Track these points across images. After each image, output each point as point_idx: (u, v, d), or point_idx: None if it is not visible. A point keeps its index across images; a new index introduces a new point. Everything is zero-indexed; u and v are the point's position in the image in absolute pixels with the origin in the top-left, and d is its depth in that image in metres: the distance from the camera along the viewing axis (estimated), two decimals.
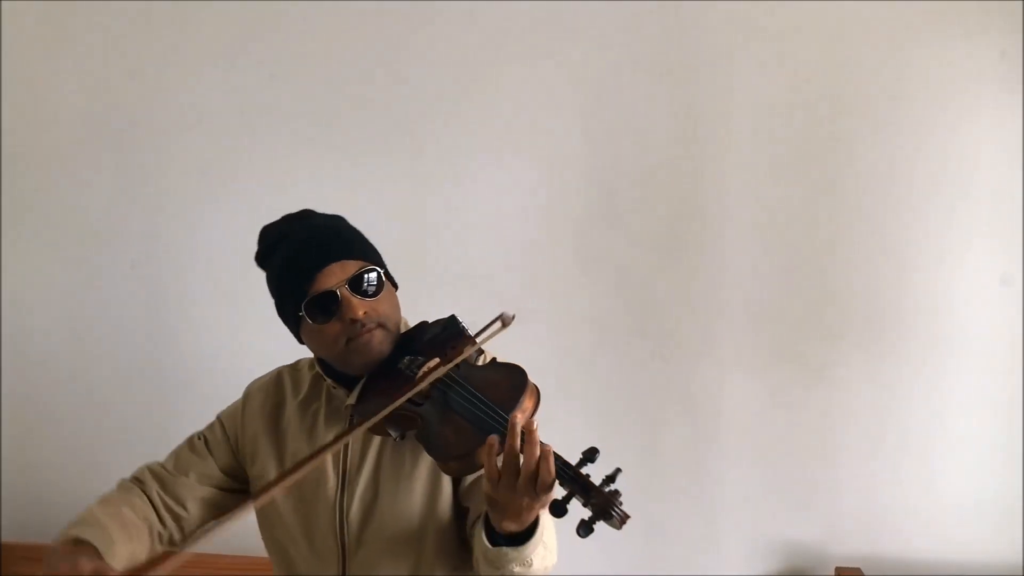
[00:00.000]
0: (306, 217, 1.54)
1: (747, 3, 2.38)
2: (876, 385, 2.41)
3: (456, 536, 1.49)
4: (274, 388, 1.60)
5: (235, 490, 1.58)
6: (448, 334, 1.48)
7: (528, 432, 1.19)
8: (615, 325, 2.49)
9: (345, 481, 1.49)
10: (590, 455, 1.20)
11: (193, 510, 1.54)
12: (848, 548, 2.43)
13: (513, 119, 2.48)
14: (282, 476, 1.30)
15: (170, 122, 2.58)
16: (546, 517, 1.30)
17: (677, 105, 2.44)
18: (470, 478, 1.45)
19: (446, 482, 1.47)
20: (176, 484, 1.55)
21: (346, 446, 1.49)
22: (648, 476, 2.49)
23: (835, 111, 2.39)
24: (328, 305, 1.42)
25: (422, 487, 1.47)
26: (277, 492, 1.32)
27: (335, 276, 1.42)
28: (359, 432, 1.34)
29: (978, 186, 2.35)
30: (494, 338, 1.40)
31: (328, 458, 1.48)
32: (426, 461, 1.46)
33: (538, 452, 1.19)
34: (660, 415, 2.48)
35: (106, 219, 2.61)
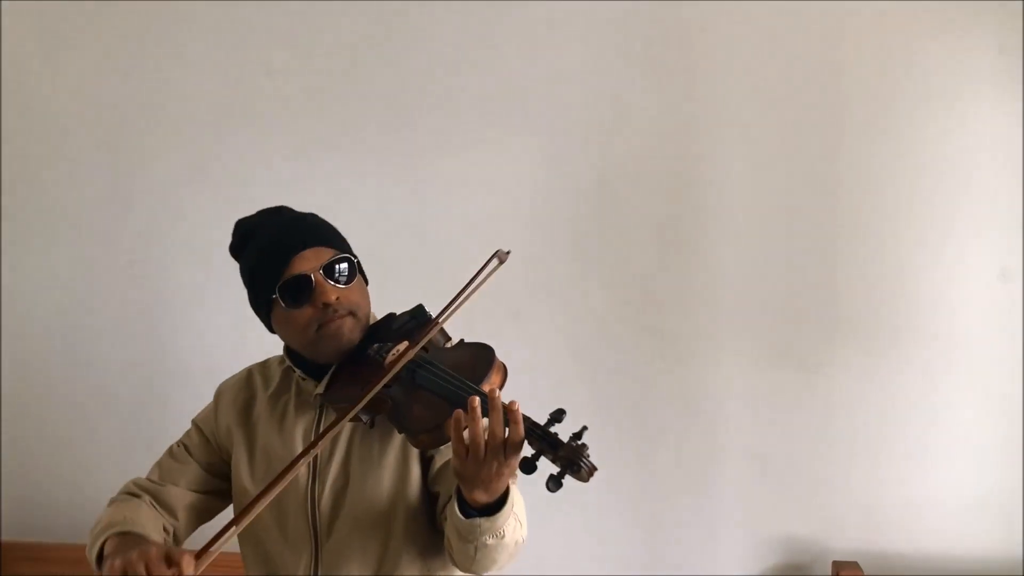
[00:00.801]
0: (281, 211, 1.60)
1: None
2: (874, 381, 2.41)
3: (426, 521, 1.51)
4: (245, 384, 1.64)
5: (221, 490, 1.63)
6: (416, 322, 1.52)
7: (490, 399, 1.21)
8: (612, 323, 2.49)
9: (316, 470, 1.51)
10: (557, 415, 1.22)
11: (183, 518, 1.59)
12: (846, 543, 2.43)
13: (509, 116, 2.47)
14: (285, 471, 1.33)
15: (167, 119, 2.57)
16: (516, 491, 1.32)
17: (675, 102, 2.43)
18: (439, 463, 1.48)
19: (415, 467, 1.50)
20: (165, 494, 1.59)
21: (315, 433, 1.52)
22: (646, 473, 2.49)
23: (832, 107, 2.39)
24: (302, 289, 1.45)
25: (391, 473, 1.49)
26: (281, 488, 1.33)
27: (309, 262, 1.46)
28: (343, 424, 1.36)
29: (977, 181, 2.35)
30: (490, 279, 1.46)
31: (297, 449, 1.51)
32: (394, 447, 1.49)
33: (502, 418, 1.20)
34: (658, 412, 2.48)
35: (103, 217, 2.61)
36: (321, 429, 1.52)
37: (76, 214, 2.62)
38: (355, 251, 1.54)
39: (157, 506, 1.58)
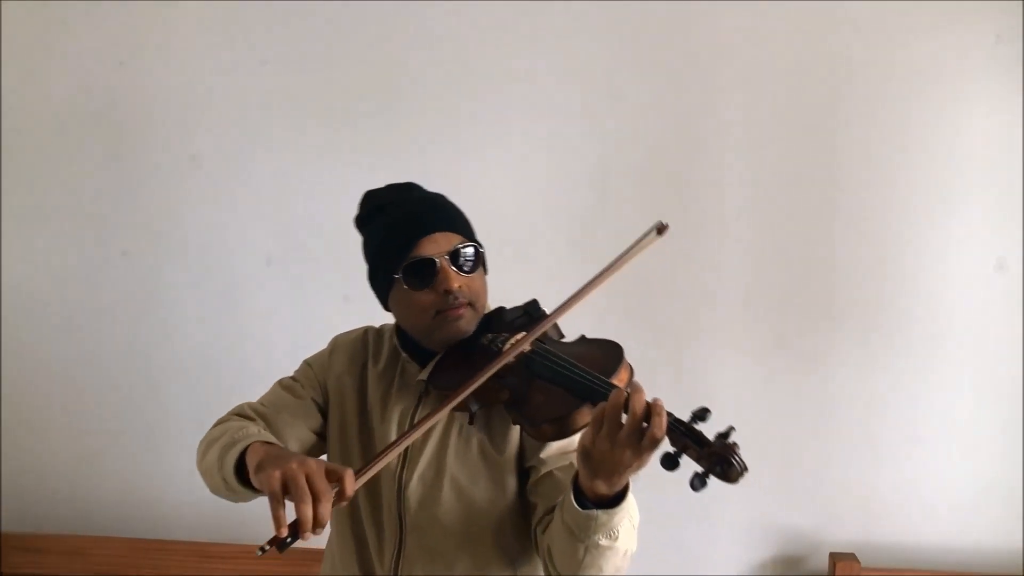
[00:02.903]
0: (412, 188, 1.57)
1: None
2: (872, 372, 2.40)
3: (519, 531, 1.46)
4: (361, 346, 1.59)
5: (324, 434, 1.56)
6: (530, 317, 1.49)
7: (635, 388, 1.17)
8: (610, 314, 2.48)
9: (407, 456, 1.46)
10: (701, 414, 1.17)
11: (292, 448, 1.48)
12: (843, 534, 2.43)
13: (510, 113, 2.47)
14: (398, 440, 1.30)
15: (163, 111, 2.57)
16: (632, 496, 1.27)
17: (673, 96, 2.42)
18: (542, 471, 1.42)
19: (512, 474, 1.44)
20: (278, 421, 1.50)
21: (411, 420, 1.47)
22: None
23: (829, 99, 2.38)
24: (426, 272, 1.42)
25: (487, 474, 1.44)
26: (390, 456, 1.28)
27: (437, 245, 1.43)
28: (449, 406, 1.31)
29: (974, 172, 2.34)
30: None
31: (392, 430, 1.48)
32: (493, 449, 1.44)
33: (645, 402, 1.15)
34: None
35: (97, 208, 2.61)
36: (418, 417, 1.46)
37: (70, 205, 2.62)
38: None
39: (269, 432, 1.47)
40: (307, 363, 1.60)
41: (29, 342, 2.67)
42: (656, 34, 2.42)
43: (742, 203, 2.42)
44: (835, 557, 2.38)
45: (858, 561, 2.36)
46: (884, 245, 2.39)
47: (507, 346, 1.39)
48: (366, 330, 1.62)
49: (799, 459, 2.44)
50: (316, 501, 1.13)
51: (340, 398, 1.55)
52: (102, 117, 2.58)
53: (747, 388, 2.44)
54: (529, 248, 2.47)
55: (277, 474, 1.16)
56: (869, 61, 2.36)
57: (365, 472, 1.23)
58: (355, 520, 1.52)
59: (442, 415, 1.35)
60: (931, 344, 2.38)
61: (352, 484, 1.17)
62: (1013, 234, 2.33)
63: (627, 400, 1.16)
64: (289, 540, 1.13)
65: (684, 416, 1.17)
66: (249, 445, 1.31)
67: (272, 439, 1.37)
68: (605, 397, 1.19)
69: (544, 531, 1.38)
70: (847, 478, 2.43)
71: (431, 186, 2.48)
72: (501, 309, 1.52)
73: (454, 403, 1.32)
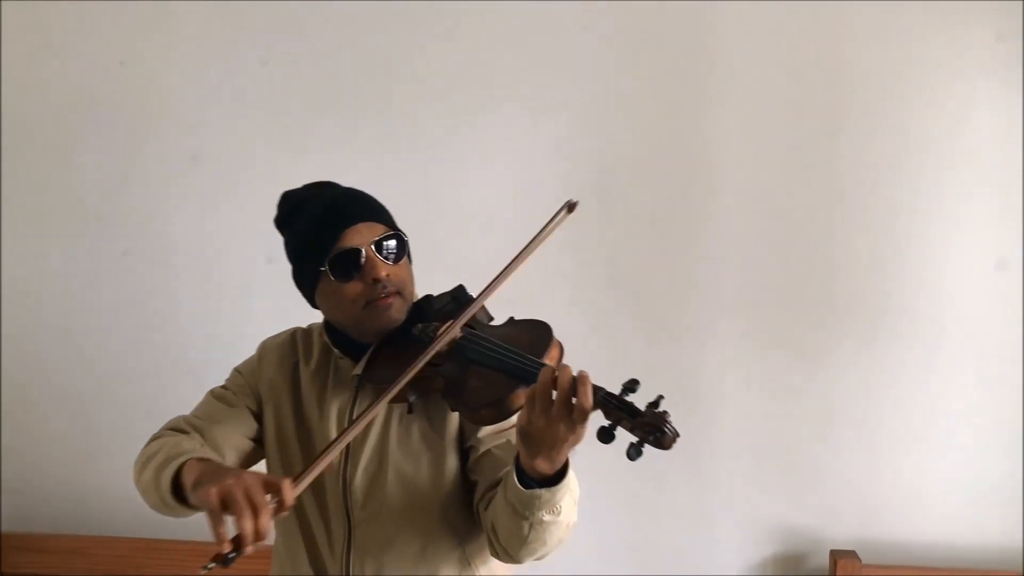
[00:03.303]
0: (331, 184, 1.57)
1: None
2: (872, 369, 2.41)
3: (464, 510, 1.49)
4: (290, 347, 1.59)
5: (262, 439, 1.57)
6: (458, 303, 1.50)
7: (561, 366, 1.20)
8: (611, 312, 2.49)
9: (348, 451, 1.48)
10: (631, 385, 1.21)
11: (230, 458, 1.51)
12: (843, 531, 2.44)
13: (508, 109, 2.47)
14: (336, 440, 1.31)
15: (163, 110, 2.56)
16: (573, 472, 1.30)
17: (674, 94, 2.43)
18: (480, 450, 1.45)
19: (453, 456, 1.47)
20: (213, 432, 1.51)
21: (350, 416, 1.49)
22: (642, 461, 2.47)
23: (831, 97, 2.38)
24: (352, 262, 1.43)
25: (428, 459, 1.46)
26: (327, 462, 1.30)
27: (361, 235, 1.44)
28: (386, 399, 1.33)
29: (975, 170, 2.35)
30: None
31: (332, 428, 1.49)
32: (432, 435, 1.47)
33: (571, 376, 1.18)
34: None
35: (97, 207, 2.60)
36: (356, 412, 1.48)
37: (71, 204, 2.61)
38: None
39: (206, 445, 1.50)
40: (237, 370, 1.61)
41: (29, 341, 2.66)
42: (658, 33, 2.42)
43: (743, 201, 2.42)
44: (836, 555, 2.38)
45: (859, 559, 2.36)
46: (885, 244, 2.39)
47: (438, 333, 1.40)
48: (294, 331, 1.62)
49: (800, 457, 2.44)
50: (255, 515, 1.15)
51: (274, 402, 1.55)
52: (103, 117, 2.58)
53: (748, 386, 2.45)
54: (523, 241, 2.46)
55: (214, 491, 1.17)
56: (870, 60, 2.36)
57: (303, 478, 1.24)
58: (302, 520, 1.53)
59: (379, 409, 1.38)
60: (932, 342, 2.38)
61: (291, 493, 1.18)
62: (1013, 232, 2.34)
63: (555, 377, 1.19)
64: (232, 555, 1.14)
65: (615, 389, 1.21)
66: (184, 463, 1.33)
67: (209, 454, 1.40)
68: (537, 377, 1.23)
69: (487, 508, 1.40)
70: (848, 476, 2.43)
71: (432, 183, 2.51)
72: (429, 297, 1.54)
73: (390, 396, 1.34)
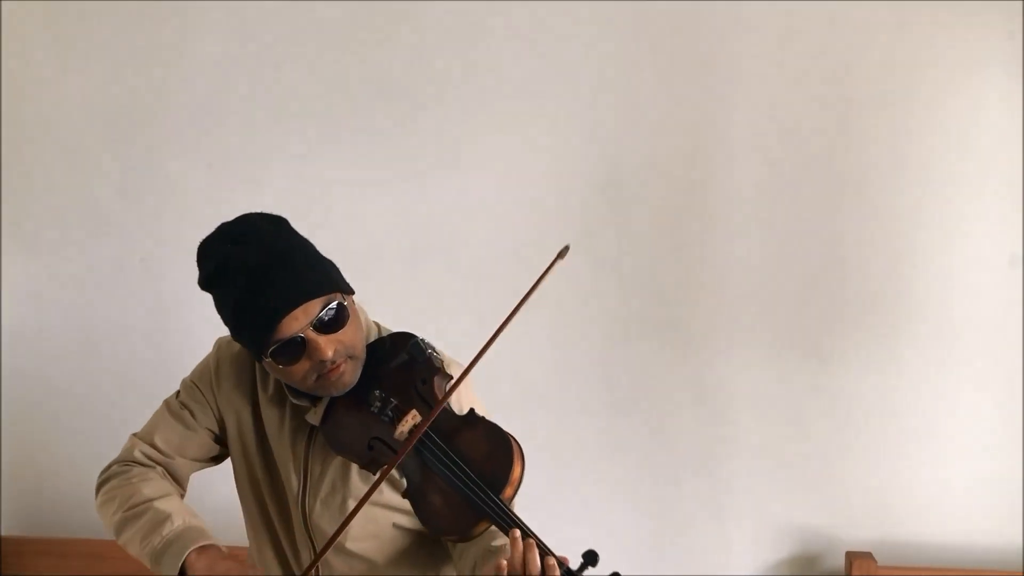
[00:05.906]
0: (249, 242, 1.41)
1: None
2: (886, 371, 2.40)
3: (427, 544, 1.52)
4: (248, 363, 1.56)
5: (222, 456, 1.60)
6: (416, 365, 1.42)
7: (528, 547, 1.25)
8: (623, 317, 2.49)
9: (307, 484, 1.49)
10: (591, 558, 1.29)
11: (187, 487, 1.58)
12: (859, 533, 2.43)
13: (515, 112, 2.47)
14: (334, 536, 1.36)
15: (177, 116, 2.58)
16: None
17: (683, 95, 2.43)
18: None
19: None
20: (176, 467, 1.54)
21: (305, 463, 1.49)
22: (658, 462, 2.49)
23: (840, 96, 2.38)
24: (295, 349, 1.36)
25: (389, 491, 1.46)
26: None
27: (299, 320, 1.34)
28: (359, 507, 1.35)
29: (985, 168, 2.34)
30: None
31: (291, 471, 1.50)
32: (395, 473, 1.45)
33: (538, 563, 1.25)
34: (669, 403, 2.48)
35: (115, 214, 2.63)
36: (312, 458, 1.49)
37: (87, 213, 2.63)
38: (334, 255, 1.46)
39: (169, 477, 1.54)
40: (193, 384, 1.58)
41: (39, 347, 2.67)
42: (665, 34, 2.42)
43: (754, 204, 2.42)
44: (851, 556, 2.37)
45: (875, 560, 2.36)
46: (897, 243, 2.38)
47: (399, 427, 1.37)
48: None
49: (815, 458, 2.44)
50: None
51: (238, 432, 1.55)
52: (119, 124, 2.60)
53: (762, 388, 2.44)
54: (533, 252, 2.47)
55: None
56: (879, 59, 2.36)
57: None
58: (275, 542, 1.57)
59: (360, 505, 1.35)
60: (946, 342, 2.37)
61: None
62: None
63: (524, 557, 1.25)
64: None
65: (575, 561, 1.30)
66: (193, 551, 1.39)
67: (200, 528, 1.44)
68: (499, 519, 1.29)
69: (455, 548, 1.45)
70: (863, 477, 2.42)
71: (442, 188, 2.50)
72: (381, 343, 1.48)
73: (362, 504, 1.34)
